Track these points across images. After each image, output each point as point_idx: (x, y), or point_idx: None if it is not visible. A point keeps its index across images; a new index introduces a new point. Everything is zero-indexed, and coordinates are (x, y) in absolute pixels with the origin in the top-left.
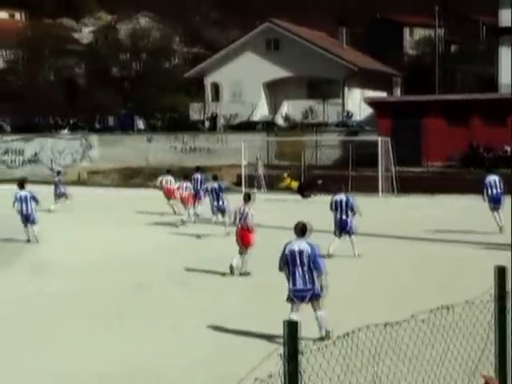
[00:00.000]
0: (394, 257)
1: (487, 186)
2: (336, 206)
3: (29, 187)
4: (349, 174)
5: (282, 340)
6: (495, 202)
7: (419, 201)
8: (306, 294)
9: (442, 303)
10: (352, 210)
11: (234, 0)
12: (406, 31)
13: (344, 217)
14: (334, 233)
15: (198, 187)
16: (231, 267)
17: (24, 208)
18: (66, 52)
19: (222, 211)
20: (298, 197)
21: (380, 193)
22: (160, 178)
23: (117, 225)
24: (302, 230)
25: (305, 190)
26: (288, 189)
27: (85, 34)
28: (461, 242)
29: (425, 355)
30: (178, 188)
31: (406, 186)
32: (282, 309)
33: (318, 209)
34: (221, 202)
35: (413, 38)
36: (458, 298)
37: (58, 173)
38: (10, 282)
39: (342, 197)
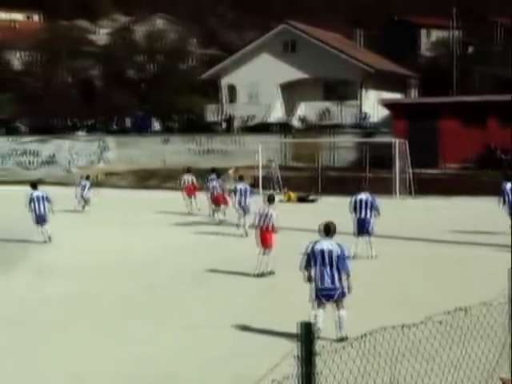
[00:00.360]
0: (410, 258)
1: (505, 193)
2: (356, 206)
3: (45, 188)
4: (365, 175)
5: (297, 341)
6: None
7: (435, 203)
8: (333, 293)
9: (458, 305)
10: (373, 210)
11: (251, 1)
12: (423, 33)
13: (364, 216)
14: (356, 233)
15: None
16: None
17: (40, 208)
18: (82, 54)
19: (244, 211)
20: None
21: (396, 194)
22: (184, 177)
23: (131, 226)
24: (328, 230)
25: (304, 201)
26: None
27: (101, 35)
28: (476, 244)
29: (442, 357)
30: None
31: (422, 187)
32: (297, 309)
33: (326, 210)
34: (244, 203)
35: (429, 39)
36: (474, 299)
37: (87, 177)
38: (22, 282)
39: (363, 196)
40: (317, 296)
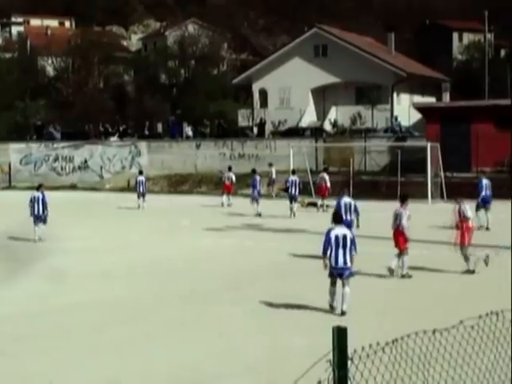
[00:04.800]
0: (442, 263)
1: None
2: (341, 209)
3: (78, 194)
4: (397, 179)
5: (330, 346)
6: None
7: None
8: (344, 271)
9: (491, 309)
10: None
11: (282, 6)
12: (455, 36)
13: (350, 219)
14: None
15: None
16: (390, 269)
17: (35, 208)
18: (115, 59)
19: (295, 200)
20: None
21: (429, 199)
22: (225, 175)
23: (166, 231)
24: (339, 217)
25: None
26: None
27: (133, 41)
28: (509, 248)
29: (476, 362)
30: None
31: (455, 191)
32: (329, 315)
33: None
34: (295, 193)
35: (462, 42)
36: (508, 303)
37: (141, 172)
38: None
39: (347, 200)
40: (332, 274)
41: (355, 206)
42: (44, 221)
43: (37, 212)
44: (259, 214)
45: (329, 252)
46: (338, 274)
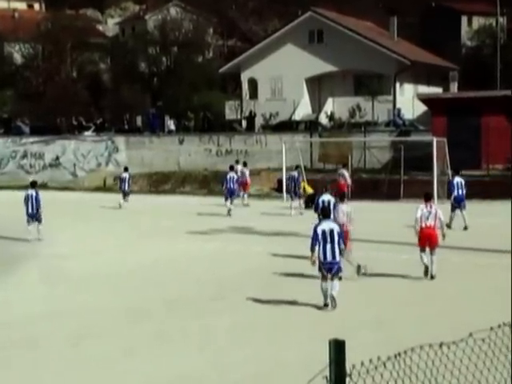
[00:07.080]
0: (449, 269)
1: None
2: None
3: (49, 194)
4: (400, 178)
5: (327, 360)
6: None
7: (478, 208)
8: (333, 266)
9: (502, 320)
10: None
11: None
12: (464, 20)
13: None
14: None
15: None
16: (425, 271)
17: (28, 206)
18: (89, 46)
19: (293, 196)
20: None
21: (435, 199)
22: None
23: (147, 235)
24: (328, 212)
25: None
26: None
27: (110, 25)
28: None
29: (488, 378)
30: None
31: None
32: (324, 326)
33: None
34: (294, 189)
35: (471, 27)
36: None
37: (126, 169)
38: (33, 293)
39: (325, 198)
40: (320, 269)
41: (334, 205)
42: (39, 220)
43: (30, 211)
44: (229, 213)
45: (317, 247)
46: (327, 268)
